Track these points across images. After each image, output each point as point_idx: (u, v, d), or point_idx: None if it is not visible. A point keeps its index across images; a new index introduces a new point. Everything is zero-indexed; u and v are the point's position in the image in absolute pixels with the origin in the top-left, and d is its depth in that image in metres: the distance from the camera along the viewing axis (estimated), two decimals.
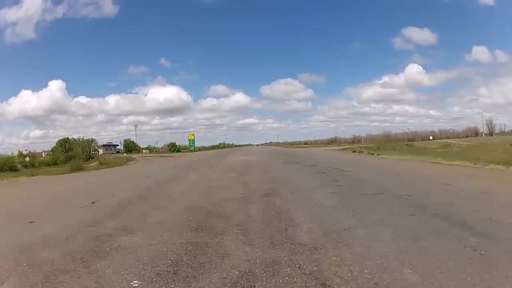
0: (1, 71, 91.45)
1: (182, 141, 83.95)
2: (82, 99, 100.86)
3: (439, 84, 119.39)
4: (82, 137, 40.29)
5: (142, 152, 76.14)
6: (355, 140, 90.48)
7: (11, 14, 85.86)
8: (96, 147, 42.95)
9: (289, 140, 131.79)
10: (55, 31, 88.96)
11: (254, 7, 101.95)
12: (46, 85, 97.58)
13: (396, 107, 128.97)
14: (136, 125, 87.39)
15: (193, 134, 77.56)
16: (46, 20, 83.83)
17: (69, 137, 41.15)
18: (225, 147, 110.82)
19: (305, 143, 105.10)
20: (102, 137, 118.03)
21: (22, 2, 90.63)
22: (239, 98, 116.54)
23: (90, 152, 38.19)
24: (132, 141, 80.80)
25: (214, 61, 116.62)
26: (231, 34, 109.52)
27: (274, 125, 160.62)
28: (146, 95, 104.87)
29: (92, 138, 41.44)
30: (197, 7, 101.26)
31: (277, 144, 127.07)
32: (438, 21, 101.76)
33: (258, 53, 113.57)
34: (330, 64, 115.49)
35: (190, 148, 74.59)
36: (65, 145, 38.73)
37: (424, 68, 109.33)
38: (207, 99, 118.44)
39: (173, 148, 74.43)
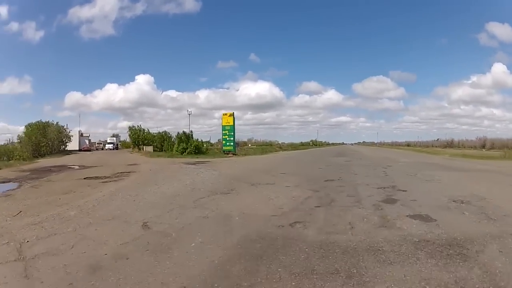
0: (81, 65, 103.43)
1: (275, 137, 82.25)
2: (172, 93, 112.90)
3: None
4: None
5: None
6: (478, 144, 78.67)
7: (85, 11, 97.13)
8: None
9: (380, 140, 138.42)
10: (137, 27, 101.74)
11: (344, 4, 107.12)
12: (133, 79, 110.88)
13: (484, 110, 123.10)
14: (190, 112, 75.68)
15: (230, 114, 38.10)
16: (125, 17, 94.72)
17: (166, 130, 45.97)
18: (316, 145, 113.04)
19: (408, 145, 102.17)
20: (194, 130, 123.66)
21: (95, 0, 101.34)
22: (331, 95, 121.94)
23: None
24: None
25: (305, 57, 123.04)
26: (320, 30, 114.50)
27: (367, 124, 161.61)
28: (237, 90, 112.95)
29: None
30: (285, 2, 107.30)
31: (375, 144, 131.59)
32: None
33: (349, 49, 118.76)
34: (420, 62, 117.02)
35: (225, 147, 38.20)
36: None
37: (509, 67, 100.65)
38: (300, 95, 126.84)
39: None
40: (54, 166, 23.00)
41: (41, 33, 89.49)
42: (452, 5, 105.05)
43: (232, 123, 37.76)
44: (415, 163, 23.38)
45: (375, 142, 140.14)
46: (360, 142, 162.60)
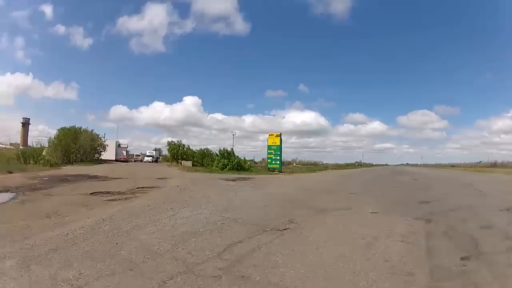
0: (129, 79, 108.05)
1: (319, 159, 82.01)
2: (218, 115, 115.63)
3: None
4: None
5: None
6: None
7: (133, 23, 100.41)
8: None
9: (423, 163, 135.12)
10: (186, 45, 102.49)
11: (397, 33, 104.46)
12: (180, 100, 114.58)
13: None
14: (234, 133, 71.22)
15: (277, 134, 35.21)
16: (175, 33, 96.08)
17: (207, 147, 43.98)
18: (361, 166, 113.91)
19: (452, 166, 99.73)
20: (238, 150, 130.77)
21: (142, 12, 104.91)
22: (376, 125, 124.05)
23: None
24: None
25: (352, 89, 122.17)
26: (370, 61, 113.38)
27: (410, 150, 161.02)
28: (283, 117, 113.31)
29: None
30: (335, 30, 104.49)
31: (418, 165, 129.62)
32: None
33: (396, 82, 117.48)
34: (464, 96, 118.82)
35: (270, 165, 35.06)
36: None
37: None
38: (345, 124, 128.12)
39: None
40: (74, 175, 20.64)
41: (89, 41, 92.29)
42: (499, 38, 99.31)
43: (279, 143, 34.79)
44: (494, 180, 19.53)
45: (418, 163, 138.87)
46: (403, 164, 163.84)
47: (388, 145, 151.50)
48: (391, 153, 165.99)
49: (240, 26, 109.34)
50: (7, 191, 12.70)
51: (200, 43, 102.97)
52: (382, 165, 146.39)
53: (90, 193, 12.11)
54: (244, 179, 21.31)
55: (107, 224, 6.47)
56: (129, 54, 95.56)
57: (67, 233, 5.79)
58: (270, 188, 14.30)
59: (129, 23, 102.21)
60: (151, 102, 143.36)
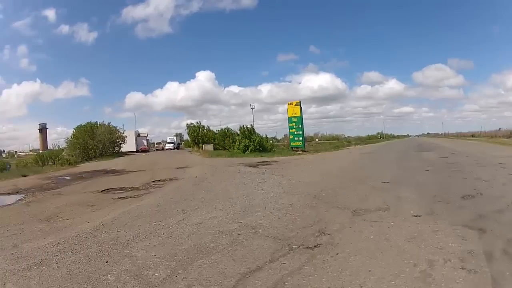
0: (139, 65, 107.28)
1: (341, 131, 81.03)
2: (234, 88, 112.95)
3: None
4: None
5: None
6: None
7: (139, 11, 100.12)
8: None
9: (445, 131, 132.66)
10: (194, 24, 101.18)
11: None
12: (193, 76, 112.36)
13: None
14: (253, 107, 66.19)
15: (296, 103, 32.50)
16: (181, 15, 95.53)
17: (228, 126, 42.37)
18: (383, 138, 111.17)
19: (472, 135, 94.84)
20: (258, 126, 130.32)
21: (148, 0, 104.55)
22: (393, 85, 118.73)
23: None
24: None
25: (364, 46, 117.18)
26: (377, 16, 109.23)
27: (430, 114, 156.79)
28: (299, 83, 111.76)
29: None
30: None
31: (440, 135, 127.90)
32: None
33: (407, 36, 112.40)
34: (476, 48, 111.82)
35: (293, 143, 32.56)
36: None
37: None
38: (362, 86, 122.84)
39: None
40: (90, 172, 20.31)
41: (94, 34, 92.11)
42: None
43: (299, 114, 32.19)
44: None
45: (439, 133, 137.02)
46: (424, 134, 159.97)
47: (407, 109, 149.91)
48: (411, 120, 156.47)
49: (247, 0, 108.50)
50: (17, 193, 12.37)
51: (207, 20, 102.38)
52: (404, 136, 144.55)
53: (102, 191, 11.47)
54: (267, 163, 20.04)
55: (105, 232, 5.55)
56: (135, 41, 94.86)
57: (58, 242, 5.13)
58: (295, 175, 12.88)
59: (134, 12, 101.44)
60: (165, 83, 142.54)
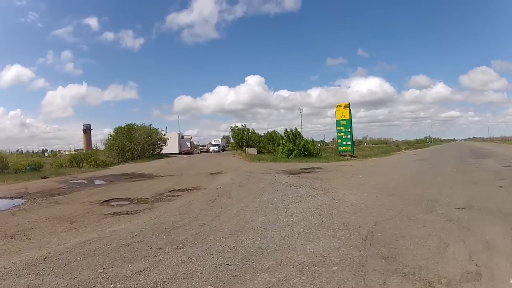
0: (188, 69, 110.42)
1: (389, 135, 78.16)
2: (284, 92, 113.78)
3: None
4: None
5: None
6: None
7: (183, 17, 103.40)
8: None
9: (490, 136, 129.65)
10: (240, 29, 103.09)
11: None
12: (243, 81, 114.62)
13: None
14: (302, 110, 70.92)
15: (345, 105, 29.89)
16: (226, 20, 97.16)
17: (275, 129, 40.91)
18: (431, 142, 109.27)
19: None
20: (308, 130, 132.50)
21: (191, 6, 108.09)
22: (440, 89, 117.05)
23: None
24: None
25: (411, 48, 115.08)
26: (424, 20, 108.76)
27: (475, 118, 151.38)
28: (348, 87, 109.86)
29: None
30: None
31: (486, 140, 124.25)
32: None
33: (454, 39, 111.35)
34: None
35: (341, 147, 29.71)
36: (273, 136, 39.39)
37: None
38: (410, 90, 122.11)
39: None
40: (114, 175, 19.35)
41: (140, 41, 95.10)
42: None
43: (348, 117, 29.53)
44: None
45: (485, 137, 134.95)
46: (470, 138, 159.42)
47: (453, 113, 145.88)
48: (457, 124, 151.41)
49: (290, 3, 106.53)
50: (20, 197, 11.88)
51: (252, 24, 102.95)
52: (450, 140, 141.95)
53: (102, 201, 9.92)
54: (310, 170, 17.30)
55: (35, 272, 4.03)
56: (182, 46, 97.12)
57: None
58: (340, 189, 9.98)
59: (179, 18, 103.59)
60: (214, 87, 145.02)
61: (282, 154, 30.26)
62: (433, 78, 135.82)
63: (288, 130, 32.63)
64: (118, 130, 37.97)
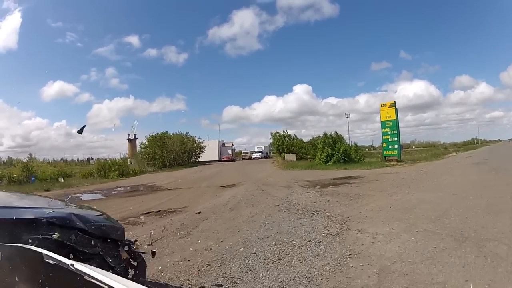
0: (234, 80, 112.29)
1: (436, 138, 77.90)
2: (332, 100, 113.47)
3: None
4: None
5: None
6: None
7: (224, 31, 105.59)
8: None
9: None
10: (282, 39, 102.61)
11: None
12: (291, 90, 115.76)
13: None
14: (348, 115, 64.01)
15: (390, 104, 25.97)
16: (268, 31, 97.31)
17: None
18: (478, 143, 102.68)
19: None
20: (357, 135, 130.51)
21: (232, 19, 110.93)
22: (483, 89, 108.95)
23: None
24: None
25: (453, 48, 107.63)
26: (461, 18, 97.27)
27: None
28: (395, 92, 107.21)
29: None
30: None
31: None
32: None
33: (491, 34, 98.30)
34: None
35: (386, 151, 25.87)
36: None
37: None
38: (455, 92, 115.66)
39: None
40: (124, 187, 17.15)
41: (184, 56, 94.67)
42: None
43: (394, 117, 25.50)
44: None
45: None
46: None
47: (497, 113, 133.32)
48: (501, 124, 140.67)
49: (329, 9, 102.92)
50: None
51: (294, 33, 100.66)
52: (496, 141, 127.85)
53: None
54: (343, 182, 13.50)
55: None
56: (227, 58, 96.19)
57: None
58: (372, 223, 6.09)
59: (220, 32, 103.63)
60: (262, 97, 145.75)
61: (320, 160, 26.71)
62: (475, 78, 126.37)
63: (328, 134, 28.79)
64: (150, 139, 36.71)
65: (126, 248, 2.03)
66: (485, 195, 8.01)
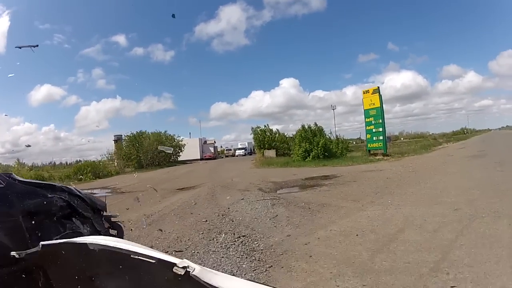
0: (221, 77, 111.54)
1: (425, 128, 73.31)
2: (319, 93, 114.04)
3: None
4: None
5: None
6: None
7: (212, 27, 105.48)
8: None
9: None
10: (269, 33, 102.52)
11: None
12: (277, 84, 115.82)
13: None
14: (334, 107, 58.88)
15: (373, 90, 23.23)
16: (255, 26, 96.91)
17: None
18: (467, 133, 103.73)
19: None
20: (345, 128, 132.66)
21: (218, 15, 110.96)
22: (471, 77, 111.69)
23: None
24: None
25: (440, 38, 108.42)
26: (448, 7, 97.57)
27: (507, 105, 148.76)
28: (382, 83, 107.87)
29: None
30: None
31: None
32: None
33: (479, 22, 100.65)
34: None
35: (370, 145, 23.81)
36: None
37: None
38: (443, 81, 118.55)
39: None
40: (90, 188, 15.60)
41: (171, 53, 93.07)
42: None
43: (378, 104, 22.63)
44: None
45: None
46: (503, 127, 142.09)
47: (486, 102, 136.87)
48: (490, 112, 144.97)
49: (316, 2, 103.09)
50: None
51: (282, 28, 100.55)
52: (485, 130, 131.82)
53: None
54: (314, 182, 11.98)
55: None
56: (214, 55, 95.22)
57: None
58: (325, 259, 4.34)
59: (207, 29, 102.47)
60: (249, 92, 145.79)
61: (298, 156, 24.89)
62: (463, 67, 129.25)
63: (306, 126, 26.58)
64: (126, 139, 35.32)
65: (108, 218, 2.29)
66: (503, 210, 5.66)
